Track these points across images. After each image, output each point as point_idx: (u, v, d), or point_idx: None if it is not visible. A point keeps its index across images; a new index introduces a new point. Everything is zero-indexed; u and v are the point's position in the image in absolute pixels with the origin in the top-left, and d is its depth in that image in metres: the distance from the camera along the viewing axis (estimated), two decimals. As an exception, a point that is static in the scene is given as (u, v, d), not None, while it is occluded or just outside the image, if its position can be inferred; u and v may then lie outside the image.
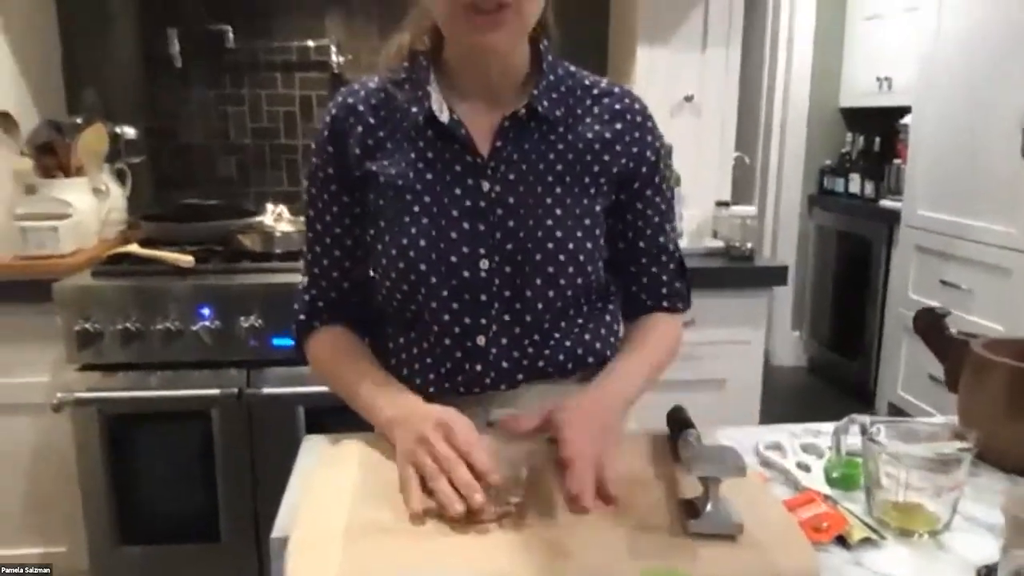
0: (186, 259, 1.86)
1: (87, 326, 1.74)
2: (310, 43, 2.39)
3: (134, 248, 1.93)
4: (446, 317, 0.93)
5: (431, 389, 0.95)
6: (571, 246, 0.92)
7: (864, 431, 0.72)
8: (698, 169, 2.22)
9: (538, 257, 0.91)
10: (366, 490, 0.77)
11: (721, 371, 2.06)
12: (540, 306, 0.93)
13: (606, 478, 0.72)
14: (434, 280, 0.91)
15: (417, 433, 0.79)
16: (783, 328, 4.19)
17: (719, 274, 2.05)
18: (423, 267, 0.90)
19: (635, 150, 0.97)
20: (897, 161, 3.45)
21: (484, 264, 0.91)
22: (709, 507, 0.67)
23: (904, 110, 3.30)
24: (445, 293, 0.91)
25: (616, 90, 0.99)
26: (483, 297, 0.92)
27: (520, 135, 0.93)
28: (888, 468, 0.69)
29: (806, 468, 0.81)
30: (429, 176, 0.92)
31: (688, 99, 2.18)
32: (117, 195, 2.19)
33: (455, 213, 0.91)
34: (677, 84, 2.18)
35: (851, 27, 3.89)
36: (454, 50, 0.94)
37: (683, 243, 2.17)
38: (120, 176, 2.23)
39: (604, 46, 2.43)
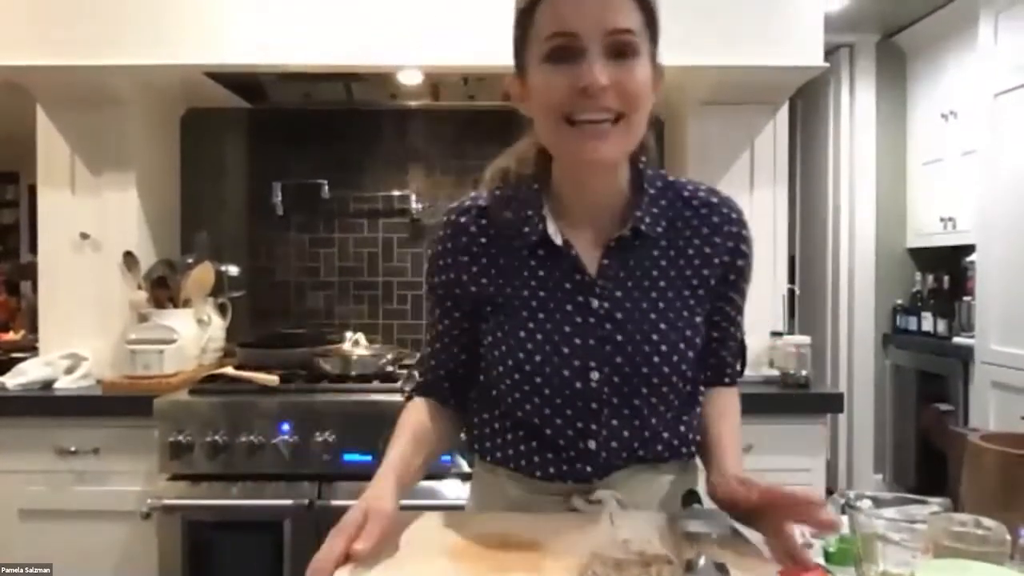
0: (271, 379, 2.05)
1: (180, 438, 1.91)
2: (395, 192, 2.68)
3: (228, 370, 2.14)
4: (558, 421, 0.99)
5: (538, 474, 1.01)
6: (675, 358, 0.98)
7: (849, 504, 0.78)
8: (751, 301, 2.28)
9: (644, 370, 0.97)
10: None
11: (782, 500, 2.05)
12: (646, 411, 0.99)
13: None
14: (547, 392, 0.97)
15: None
16: (865, 472, 4.04)
17: (775, 401, 2.09)
18: (538, 380, 0.97)
19: (727, 259, 1.02)
20: (967, 298, 3.43)
21: (595, 376, 0.97)
22: (702, 562, 0.75)
23: (970, 248, 3.33)
24: (558, 401, 0.98)
25: (714, 200, 1.04)
26: (593, 405, 0.97)
27: (625, 253, 1.00)
28: (872, 538, 0.75)
29: (808, 546, 0.87)
30: (542, 294, 1.00)
31: (738, 235, 2.31)
32: (218, 324, 2.44)
33: (567, 329, 0.98)
34: (727, 222, 2.32)
35: (912, 170, 4.01)
36: (561, 172, 1.02)
37: (740, 372, 2.24)
38: (222, 308, 2.49)
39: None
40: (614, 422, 0.98)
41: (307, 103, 2.60)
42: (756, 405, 2.07)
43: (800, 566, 0.80)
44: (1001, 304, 2.95)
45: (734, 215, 1.03)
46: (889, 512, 0.75)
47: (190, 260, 2.38)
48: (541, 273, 1.00)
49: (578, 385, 0.97)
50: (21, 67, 2.08)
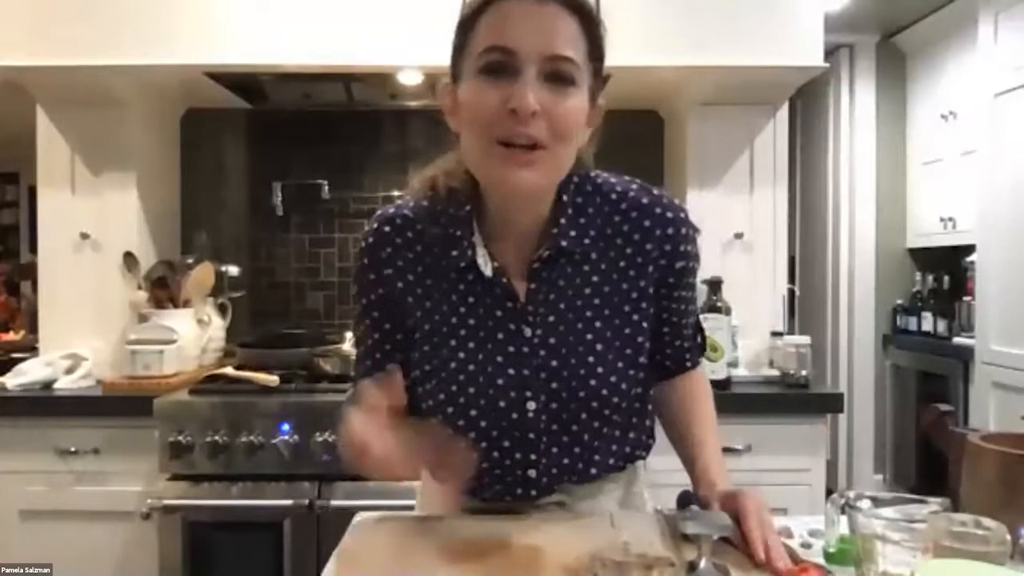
0: (272, 379, 2.05)
1: (180, 439, 1.91)
2: (395, 192, 2.68)
3: (228, 370, 2.14)
4: (496, 454, 0.96)
5: (484, 495, 1.01)
6: (613, 378, 0.94)
7: (848, 504, 0.78)
8: (751, 302, 2.31)
9: (582, 394, 0.93)
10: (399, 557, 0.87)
11: (782, 500, 2.04)
12: (587, 436, 0.96)
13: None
14: (483, 424, 0.94)
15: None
16: (865, 472, 4.04)
17: (775, 401, 2.09)
18: (473, 412, 0.94)
19: (664, 264, 0.96)
20: (967, 298, 3.44)
21: (531, 405, 0.94)
22: (703, 563, 0.75)
23: (970, 248, 3.33)
24: (495, 433, 0.95)
25: (645, 201, 0.97)
26: (531, 435, 0.95)
27: (552, 273, 0.95)
28: (872, 538, 0.75)
29: (808, 546, 0.87)
30: (472, 321, 0.95)
31: (738, 236, 2.31)
32: (218, 325, 2.44)
33: (500, 359, 0.94)
34: (727, 223, 2.32)
35: (912, 171, 4.01)
36: (488, 194, 0.96)
37: (741, 371, 2.24)
38: (222, 308, 2.49)
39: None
40: (554, 449, 0.96)
41: (307, 103, 2.60)
42: (756, 405, 2.07)
43: (800, 566, 0.80)
44: (1001, 304, 2.95)
45: (668, 214, 0.96)
46: (889, 512, 0.75)
47: (190, 260, 2.38)
48: (471, 299, 0.96)
49: (515, 416, 0.94)
50: (21, 67, 2.08)
